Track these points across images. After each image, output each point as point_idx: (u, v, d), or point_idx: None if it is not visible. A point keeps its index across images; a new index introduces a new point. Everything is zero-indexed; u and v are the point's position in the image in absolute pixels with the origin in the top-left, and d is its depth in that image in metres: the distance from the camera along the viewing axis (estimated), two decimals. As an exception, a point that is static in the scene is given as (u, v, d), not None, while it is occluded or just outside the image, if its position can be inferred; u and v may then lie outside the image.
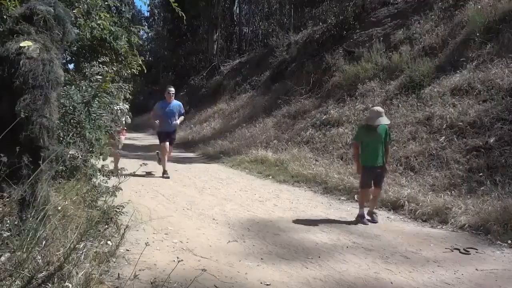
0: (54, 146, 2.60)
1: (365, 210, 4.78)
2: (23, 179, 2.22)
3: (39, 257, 2.13)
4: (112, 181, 4.27)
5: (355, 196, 5.61)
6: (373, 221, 4.70)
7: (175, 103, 7.66)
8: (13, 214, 2.23)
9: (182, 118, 7.78)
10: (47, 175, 2.46)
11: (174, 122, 7.51)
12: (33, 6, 2.72)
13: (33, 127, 2.36)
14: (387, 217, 4.94)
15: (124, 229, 2.34)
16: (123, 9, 5.44)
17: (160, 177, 7.21)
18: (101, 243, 3.01)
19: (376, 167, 4.71)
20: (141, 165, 2.54)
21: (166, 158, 7.43)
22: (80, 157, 4.21)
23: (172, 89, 7.68)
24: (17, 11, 2.85)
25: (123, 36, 4.49)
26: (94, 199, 3.79)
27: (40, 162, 2.28)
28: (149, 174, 7.37)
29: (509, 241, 3.86)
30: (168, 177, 7.22)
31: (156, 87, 28.71)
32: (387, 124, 4.78)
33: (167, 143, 7.44)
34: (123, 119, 5.48)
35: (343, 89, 10.11)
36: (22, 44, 2.55)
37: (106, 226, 3.44)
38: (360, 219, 4.68)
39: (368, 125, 4.77)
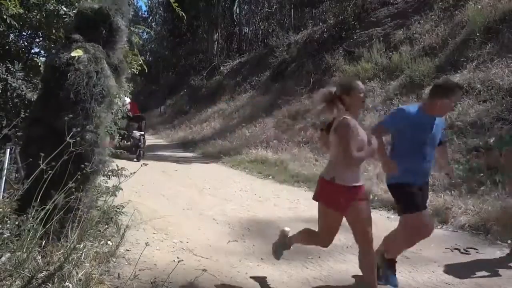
0: (101, 156, 2.60)
1: None
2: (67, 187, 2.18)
3: (39, 257, 2.13)
4: (112, 181, 4.28)
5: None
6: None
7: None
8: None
9: None
10: (90, 182, 2.46)
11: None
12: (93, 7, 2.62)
13: (75, 141, 2.27)
14: (387, 217, 4.94)
15: (124, 229, 2.34)
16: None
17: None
18: (101, 243, 3.01)
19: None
20: (141, 165, 2.54)
21: None
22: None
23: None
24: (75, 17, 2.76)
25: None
26: (94, 199, 3.79)
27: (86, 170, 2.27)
28: None
29: (509, 241, 3.85)
30: None
31: (156, 87, 28.72)
32: None
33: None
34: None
35: (343, 89, 10.10)
36: (73, 54, 2.50)
37: (106, 226, 3.44)
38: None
39: None
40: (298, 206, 5.48)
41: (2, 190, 2.91)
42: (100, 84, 2.54)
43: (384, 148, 2.94)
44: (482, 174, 5.13)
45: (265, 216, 4.92)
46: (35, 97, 3.91)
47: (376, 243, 3.23)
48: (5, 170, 3.02)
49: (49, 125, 2.48)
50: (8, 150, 3.48)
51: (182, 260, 3.22)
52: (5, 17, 3.47)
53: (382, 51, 10.03)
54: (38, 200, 2.02)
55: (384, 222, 4.74)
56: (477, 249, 3.74)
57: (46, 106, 2.56)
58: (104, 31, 2.65)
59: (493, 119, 5.88)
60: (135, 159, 8.71)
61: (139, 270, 2.83)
